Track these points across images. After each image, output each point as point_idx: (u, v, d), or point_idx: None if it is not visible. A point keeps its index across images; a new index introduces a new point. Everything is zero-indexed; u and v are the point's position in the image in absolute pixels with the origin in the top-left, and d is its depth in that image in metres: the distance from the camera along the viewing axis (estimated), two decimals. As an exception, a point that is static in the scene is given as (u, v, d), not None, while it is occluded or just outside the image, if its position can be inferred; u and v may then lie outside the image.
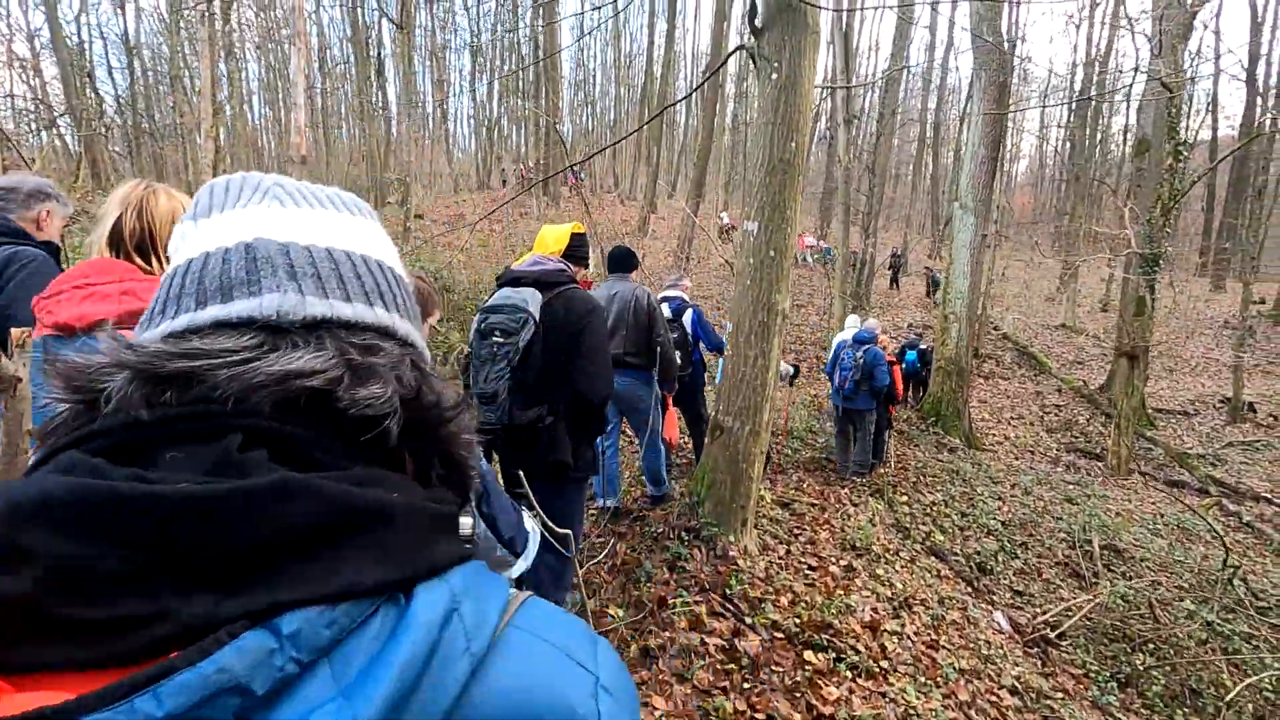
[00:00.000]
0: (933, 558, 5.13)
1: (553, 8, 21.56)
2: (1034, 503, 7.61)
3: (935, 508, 6.20)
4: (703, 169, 17.66)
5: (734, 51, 3.65)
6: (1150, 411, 12.66)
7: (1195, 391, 15.01)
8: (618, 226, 17.71)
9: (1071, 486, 8.99)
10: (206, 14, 11.58)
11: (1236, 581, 5.53)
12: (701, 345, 4.73)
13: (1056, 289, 23.86)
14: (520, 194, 14.00)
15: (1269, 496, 9.69)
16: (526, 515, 1.36)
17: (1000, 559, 5.61)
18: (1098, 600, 5.01)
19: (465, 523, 0.59)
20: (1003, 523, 6.34)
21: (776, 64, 3.23)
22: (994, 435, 11.03)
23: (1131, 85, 11.48)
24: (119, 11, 20.20)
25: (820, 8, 3.25)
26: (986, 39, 9.03)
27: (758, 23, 3.28)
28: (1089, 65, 24.25)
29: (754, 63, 3.41)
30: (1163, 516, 7.58)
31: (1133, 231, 9.72)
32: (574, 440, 2.28)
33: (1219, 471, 11.51)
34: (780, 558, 3.83)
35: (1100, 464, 10.61)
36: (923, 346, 10.91)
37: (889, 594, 3.85)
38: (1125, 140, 25.61)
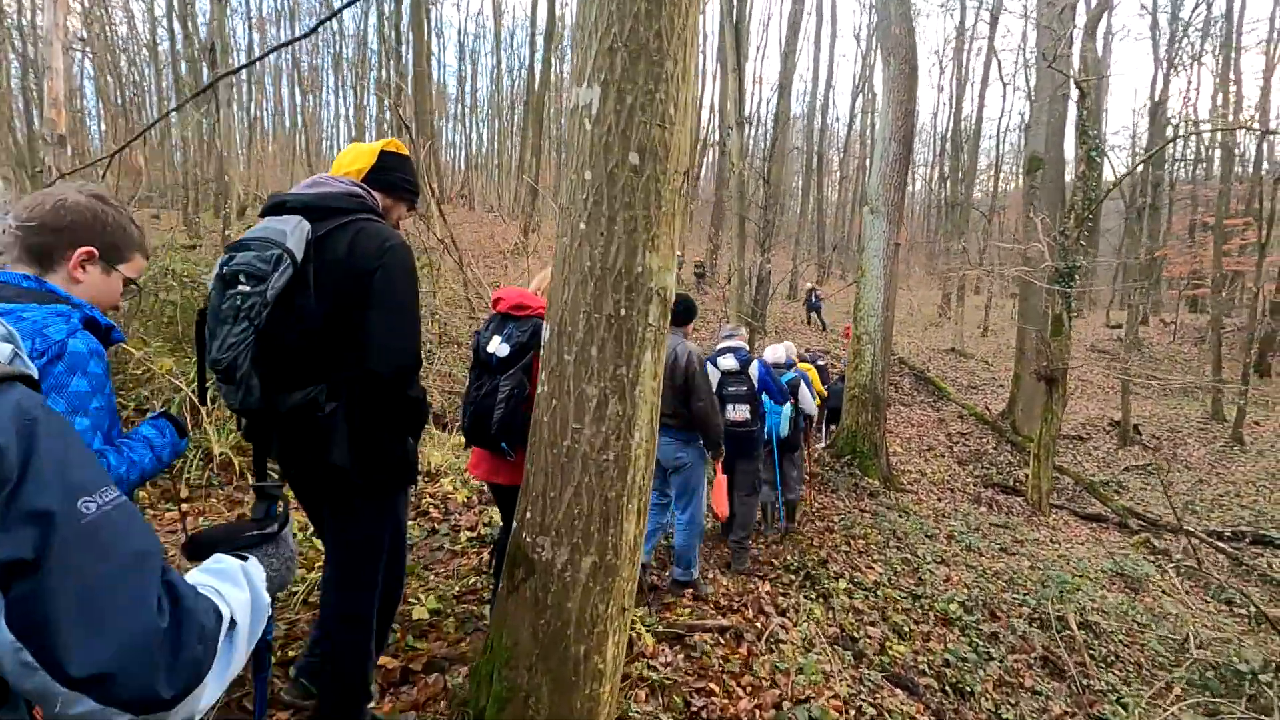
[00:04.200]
0: (900, 692, 3.38)
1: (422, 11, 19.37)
2: (976, 560, 6.26)
3: (882, 593, 4.52)
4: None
5: None
6: (1051, 437, 12.06)
7: (1083, 415, 14.91)
8: (486, 243, 15.54)
9: (1002, 530, 7.82)
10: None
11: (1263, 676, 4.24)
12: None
13: (938, 314, 24.16)
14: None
15: (1189, 529, 9.02)
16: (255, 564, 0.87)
17: (976, 669, 3.98)
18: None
19: None
20: (962, 605, 4.77)
21: None
22: (909, 471, 9.82)
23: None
24: None
25: None
26: (892, 20, 7.92)
27: None
28: (957, 99, 25.19)
29: None
30: (1122, 565, 6.43)
31: (1045, 244, 8.90)
32: (367, 434, 1.61)
33: (1125, 498, 11.01)
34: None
35: (1019, 499, 9.67)
36: (820, 364, 9.79)
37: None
38: (994, 173, 26.75)
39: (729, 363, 4.28)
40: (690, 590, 3.49)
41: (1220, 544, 8.69)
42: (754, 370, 4.33)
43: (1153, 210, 20.30)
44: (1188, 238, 26.53)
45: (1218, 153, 21.05)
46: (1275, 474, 12.73)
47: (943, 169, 29.43)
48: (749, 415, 4.26)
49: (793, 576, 4.19)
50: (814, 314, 19.38)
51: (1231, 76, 19.43)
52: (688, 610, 3.15)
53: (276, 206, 1.66)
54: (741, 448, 4.23)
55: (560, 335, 1.53)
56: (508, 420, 2.14)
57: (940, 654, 4.00)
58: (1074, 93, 8.90)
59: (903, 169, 8.12)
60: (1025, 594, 5.48)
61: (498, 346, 2.25)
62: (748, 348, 4.52)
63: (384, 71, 24.89)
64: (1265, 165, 16.17)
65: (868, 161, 32.18)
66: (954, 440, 12.04)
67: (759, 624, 3.29)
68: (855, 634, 3.81)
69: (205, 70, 17.11)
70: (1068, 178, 12.14)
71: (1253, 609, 6.81)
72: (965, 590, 5.18)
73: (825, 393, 8.92)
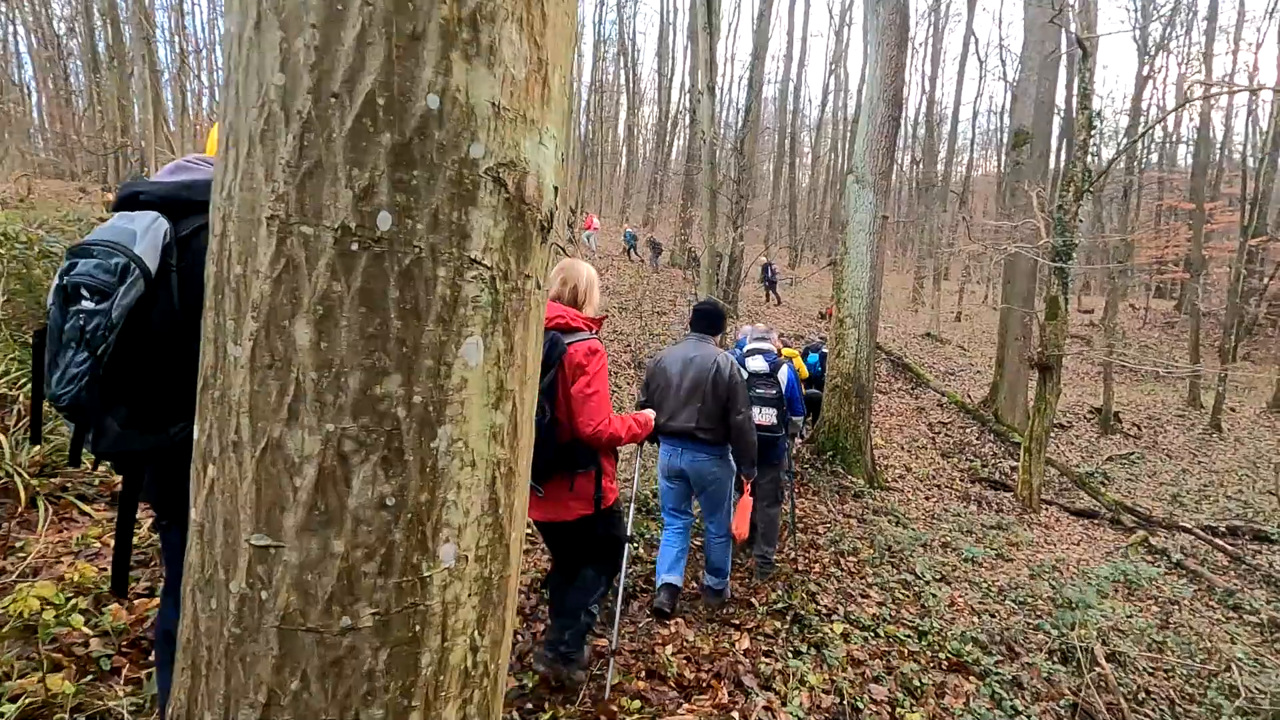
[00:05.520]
0: (922, 790, 2.53)
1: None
2: (977, 573, 5.53)
3: (884, 631, 3.69)
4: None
5: None
6: (1035, 426, 11.49)
7: (1062, 402, 14.42)
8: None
9: (996, 533, 7.12)
10: None
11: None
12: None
13: (913, 298, 23.69)
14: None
15: (1187, 527, 8.48)
16: None
17: (1005, 735, 3.18)
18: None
19: None
20: (975, 642, 3.97)
21: None
22: (893, 466, 9.09)
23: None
24: None
25: None
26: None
27: None
28: (931, 80, 24.57)
29: None
30: (1124, 569, 5.80)
31: (1041, 220, 8.17)
32: None
33: (1112, 490, 10.49)
34: None
35: (1008, 495, 9.02)
36: (825, 350, 8.82)
37: None
38: (969, 155, 26.30)
39: (758, 364, 4.11)
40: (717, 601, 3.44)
41: (1218, 540, 8.15)
42: (784, 375, 4.14)
43: (1123, 195, 20.01)
44: (1154, 223, 26.49)
45: (1184, 139, 20.83)
46: (1256, 462, 12.42)
47: (915, 152, 28.93)
48: (775, 420, 4.02)
49: (778, 623, 3.31)
50: (770, 290, 18.74)
51: (1200, 56, 19.10)
52: (637, 704, 2.23)
53: (129, 200, 1.34)
54: (764, 454, 3.94)
55: (221, 294, 0.57)
56: None
57: (961, 717, 3.19)
58: (1066, 59, 8.18)
59: (892, 133, 7.27)
60: (1039, 617, 4.73)
61: None
62: (776, 350, 4.38)
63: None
64: (1249, 148, 15.79)
65: (840, 143, 31.54)
66: (936, 431, 11.39)
67: (736, 709, 2.39)
68: (858, 700, 2.95)
69: (129, 31, 15.43)
70: (1051, 154, 11.43)
71: (1264, 615, 6.28)
72: (974, 618, 4.39)
73: (806, 372, 8.03)
